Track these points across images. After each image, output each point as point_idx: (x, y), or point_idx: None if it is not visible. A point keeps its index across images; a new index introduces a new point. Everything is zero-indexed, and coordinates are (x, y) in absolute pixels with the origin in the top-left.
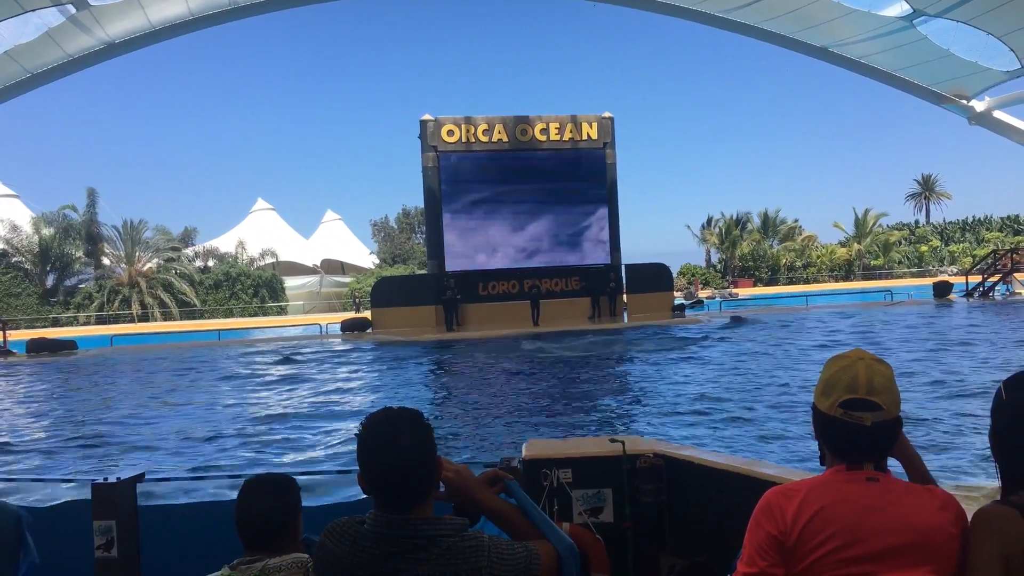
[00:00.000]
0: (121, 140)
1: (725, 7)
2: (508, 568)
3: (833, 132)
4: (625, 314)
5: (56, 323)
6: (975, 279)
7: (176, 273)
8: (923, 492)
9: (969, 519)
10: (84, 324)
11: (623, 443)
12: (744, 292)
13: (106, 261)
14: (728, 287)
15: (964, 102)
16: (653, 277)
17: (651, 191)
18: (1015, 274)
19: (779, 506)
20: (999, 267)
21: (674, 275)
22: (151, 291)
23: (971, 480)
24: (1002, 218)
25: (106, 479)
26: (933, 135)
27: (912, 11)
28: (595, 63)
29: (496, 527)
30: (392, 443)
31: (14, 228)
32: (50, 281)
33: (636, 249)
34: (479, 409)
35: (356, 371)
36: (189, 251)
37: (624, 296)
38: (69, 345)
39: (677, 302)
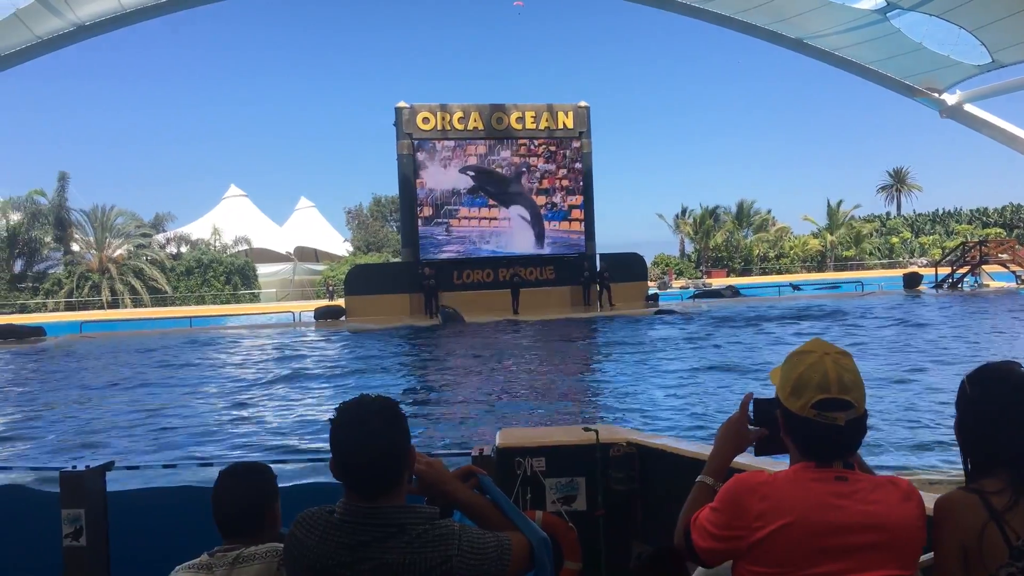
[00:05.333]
0: (92, 125)
1: None
2: (478, 556)
3: (808, 125)
4: (599, 303)
5: (24, 309)
6: (944, 271)
7: (147, 259)
8: (887, 484)
9: (932, 506)
10: (53, 310)
11: (596, 432)
12: (717, 282)
13: (75, 247)
14: (702, 277)
15: (936, 95)
16: (627, 267)
17: (626, 181)
18: (983, 266)
19: (748, 506)
20: (968, 259)
21: (648, 265)
22: (121, 277)
23: (935, 471)
24: (971, 211)
25: (74, 467)
26: (905, 128)
27: (886, 4)
28: (572, 54)
29: (469, 520)
30: (363, 430)
31: None
32: (18, 266)
33: (610, 239)
34: (453, 397)
35: (330, 359)
36: (160, 237)
37: (598, 285)
38: (37, 331)
39: (651, 291)
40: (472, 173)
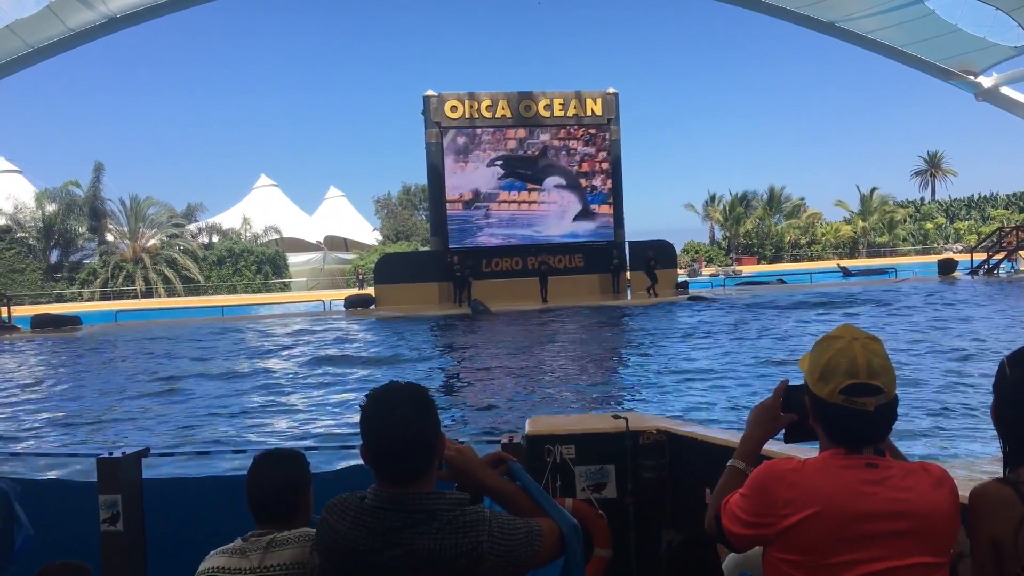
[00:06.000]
0: (124, 116)
1: None
2: (508, 542)
3: (840, 109)
4: (629, 291)
5: (60, 299)
6: (980, 257)
7: (180, 249)
8: (919, 471)
9: (967, 496)
10: (88, 300)
11: (626, 419)
12: (748, 269)
13: (110, 237)
14: (732, 264)
15: (971, 78)
16: (657, 254)
17: (655, 168)
18: (1020, 251)
19: (776, 493)
20: (1004, 244)
21: (678, 252)
22: (155, 267)
23: (970, 458)
24: (1008, 195)
25: (111, 453)
26: (940, 111)
27: None
28: (599, 39)
29: (500, 507)
30: (393, 417)
31: (18, 204)
32: (54, 257)
33: (640, 226)
34: (483, 385)
35: (360, 347)
36: (192, 227)
37: (628, 273)
38: (73, 320)
39: (681, 279)
40: (500, 163)
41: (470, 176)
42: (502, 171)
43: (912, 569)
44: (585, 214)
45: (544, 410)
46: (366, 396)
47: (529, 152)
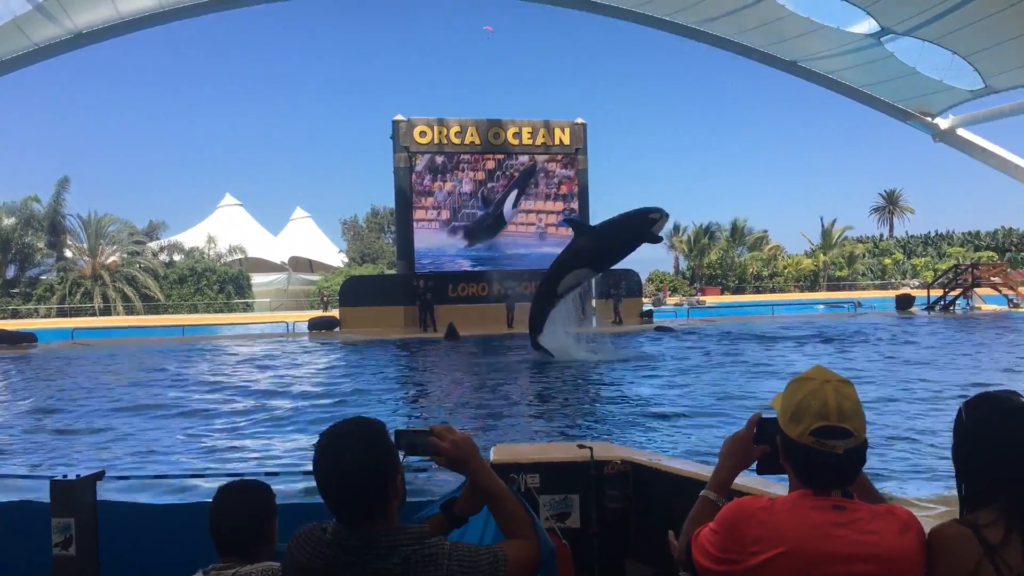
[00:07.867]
0: (87, 132)
1: (697, 18)
2: (469, 573)
3: (802, 145)
4: (594, 320)
5: (16, 315)
6: (936, 293)
7: (140, 267)
8: (886, 514)
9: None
10: (45, 316)
11: (591, 449)
12: (711, 300)
13: (69, 253)
14: (696, 295)
15: (929, 119)
16: (624, 284)
17: (621, 198)
18: (975, 289)
19: (744, 531)
20: (960, 282)
21: (643, 281)
22: (114, 284)
23: (928, 496)
24: (963, 233)
25: (65, 476)
26: (898, 150)
27: (880, 29)
28: (568, 71)
29: (491, 510)
30: (342, 461)
31: None
32: (11, 272)
33: None
34: (445, 412)
35: (323, 371)
36: (154, 245)
37: (593, 301)
38: (28, 337)
39: (646, 308)
40: (462, 233)
41: (437, 202)
42: (466, 241)
43: None
44: (551, 241)
45: (509, 438)
46: (318, 437)
47: (517, 170)
